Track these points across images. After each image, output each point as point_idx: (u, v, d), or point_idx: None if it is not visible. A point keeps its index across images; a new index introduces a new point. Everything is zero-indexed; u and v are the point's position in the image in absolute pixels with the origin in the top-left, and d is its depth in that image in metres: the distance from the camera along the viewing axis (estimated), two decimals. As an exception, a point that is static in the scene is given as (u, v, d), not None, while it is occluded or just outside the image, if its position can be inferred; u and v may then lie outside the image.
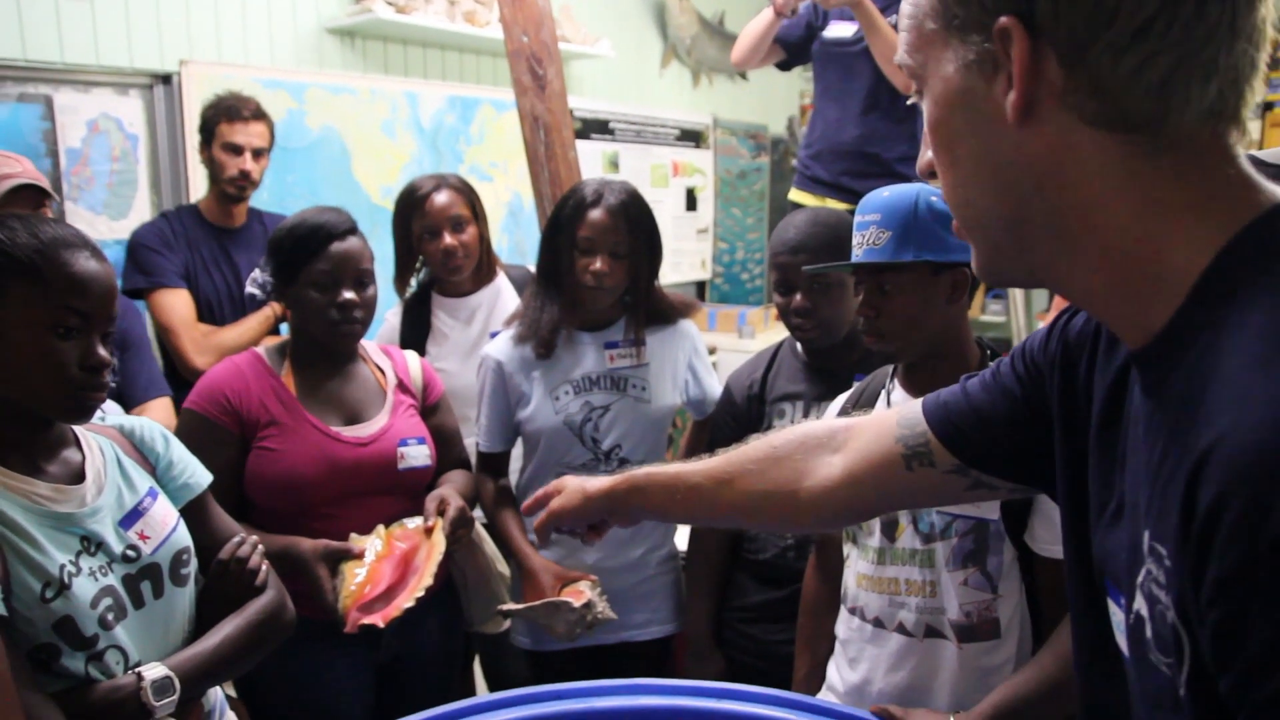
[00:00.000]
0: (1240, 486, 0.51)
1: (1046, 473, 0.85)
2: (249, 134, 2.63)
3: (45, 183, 2.06)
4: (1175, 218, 0.61)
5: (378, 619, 1.60)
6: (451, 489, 1.85)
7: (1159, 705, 0.62)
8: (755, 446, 1.14)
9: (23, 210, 1.92)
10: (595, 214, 1.94)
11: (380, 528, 1.74)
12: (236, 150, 2.61)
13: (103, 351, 1.21)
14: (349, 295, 1.76)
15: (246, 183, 2.65)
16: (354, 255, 1.78)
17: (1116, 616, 0.70)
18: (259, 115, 2.67)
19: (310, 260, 1.75)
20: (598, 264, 1.94)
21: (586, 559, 1.94)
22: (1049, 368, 0.85)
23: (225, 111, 2.62)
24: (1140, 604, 0.64)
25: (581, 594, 1.82)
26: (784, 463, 1.10)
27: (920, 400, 1.01)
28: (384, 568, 1.67)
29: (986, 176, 0.68)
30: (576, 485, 1.28)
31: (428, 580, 1.68)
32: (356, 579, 1.65)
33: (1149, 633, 0.62)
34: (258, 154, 2.65)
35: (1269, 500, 0.49)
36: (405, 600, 1.63)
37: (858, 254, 1.47)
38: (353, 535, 1.71)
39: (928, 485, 0.99)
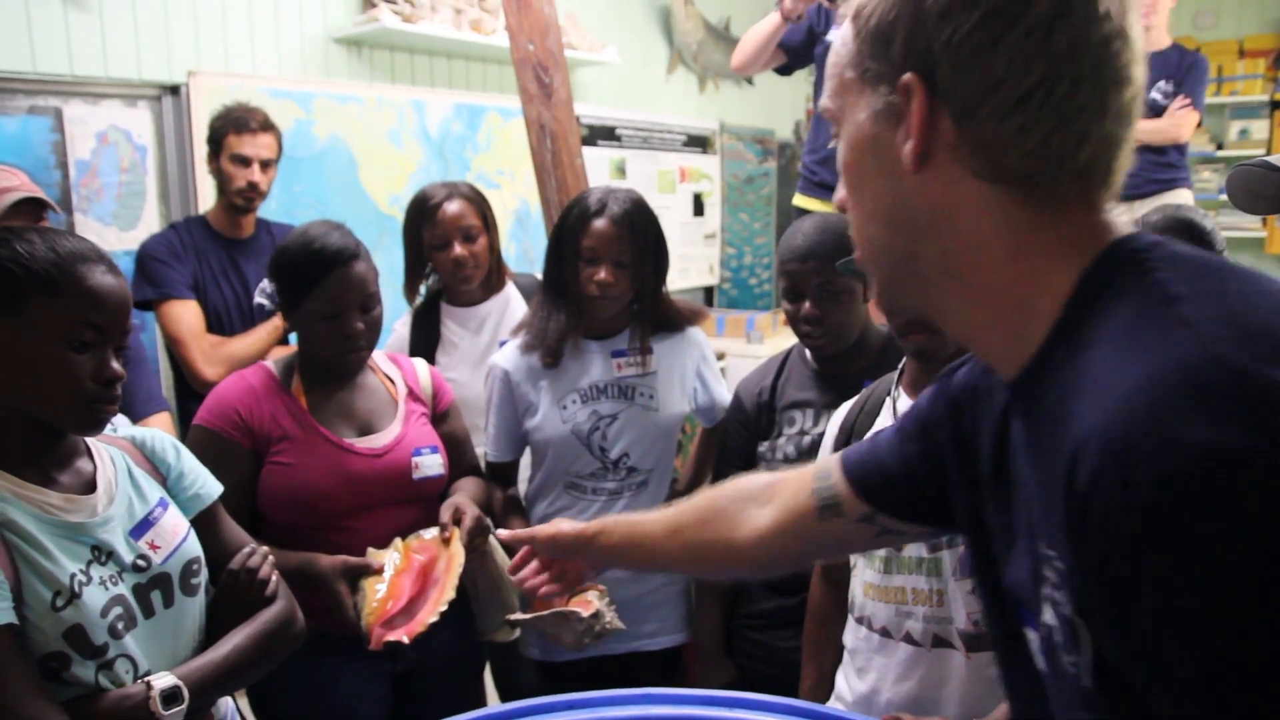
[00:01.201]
0: (1108, 467, 0.56)
1: (953, 516, 0.92)
2: (257, 145, 2.63)
3: (44, 195, 2.07)
4: (1044, 260, 0.69)
5: (402, 635, 1.60)
6: (465, 497, 1.85)
7: (1072, 705, 0.66)
8: (700, 499, 1.23)
9: (24, 223, 1.94)
10: (599, 224, 1.94)
11: (397, 540, 1.73)
12: (244, 162, 2.62)
13: (116, 365, 1.22)
14: (355, 325, 1.75)
15: (255, 194, 2.65)
16: (358, 282, 1.74)
17: (1034, 641, 0.73)
18: (267, 126, 2.67)
19: (315, 287, 1.72)
20: (601, 274, 1.94)
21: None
22: (939, 423, 0.93)
23: (233, 123, 2.62)
24: (1047, 614, 0.67)
25: (589, 604, 1.82)
26: (722, 515, 1.18)
27: (838, 454, 1.09)
28: (403, 581, 1.66)
29: (886, 216, 0.75)
30: (558, 523, 1.37)
31: (450, 594, 1.67)
32: (378, 595, 1.64)
33: (1057, 638, 0.66)
34: (265, 165, 2.66)
35: (1135, 475, 0.54)
36: (429, 615, 1.62)
37: None
38: (370, 550, 1.71)
39: (840, 535, 1.07)
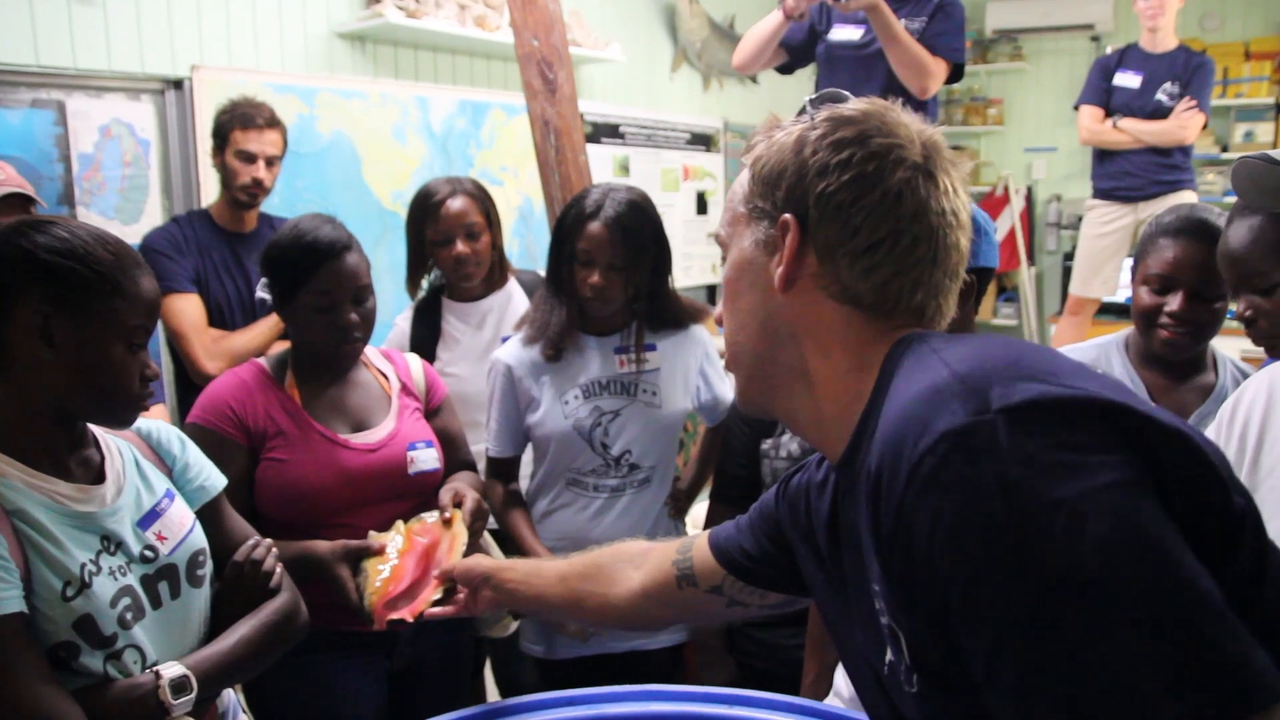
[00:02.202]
0: (887, 461, 0.72)
1: (806, 587, 1.09)
2: (263, 142, 2.63)
3: (31, 191, 2.06)
4: (874, 360, 0.85)
5: (406, 614, 1.60)
6: (463, 483, 1.85)
7: (907, 715, 0.80)
8: (589, 555, 1.37)
9: (10, 217, 1.93)
10: (593, 227, 1.94)
11: (399, 523, 1.73)
12: (250, 158, 2.61)
13: (153, 363, 1.29)
14: (349, 317, 1.74)
15: (259, 191, 2.65)
16: (350, 273, 1.74)
17: (888, 682, 0.83)
18: (273, 123, 2.67)
19: (307, 280, 1.72)
20: (594, 278, 1.94)
21: None
22: (784, 518, 1.09)
23: (239, 118, 2.62)
24: (889, 651, 0.80)
25: None
26: (604, 571, 1.33)
27: (706, 533, 1.24)
28: (407, 563, 1.65)
29: (755, 326, 0.92)
30: (478, 558, 1.54)
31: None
32: (381, 575, 1.64)
33: (900, 667, 0.78)
34: (270, 162, 2.65)
35: (902, 457, 0.70)
36: (432, 594, 1.62)
37: None
38: (371, 533, 1.70)
39: (695, 603, 1.23)
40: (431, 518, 1.75)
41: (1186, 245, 1.67)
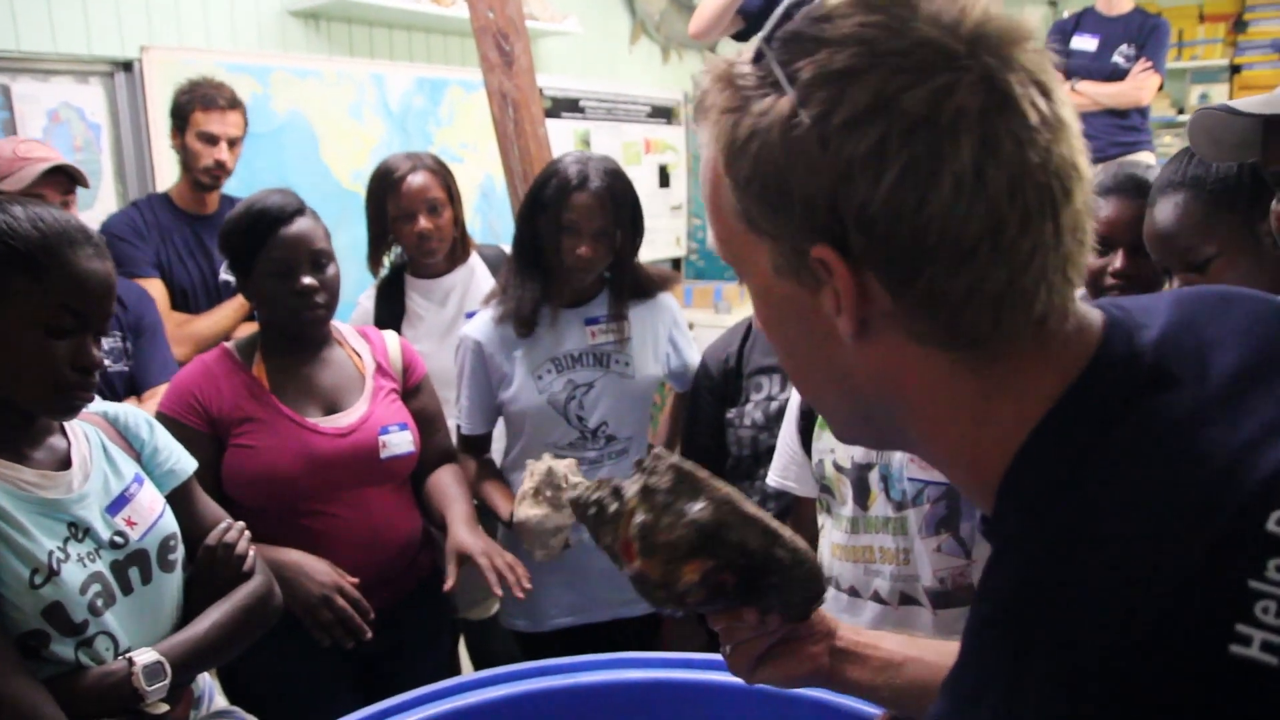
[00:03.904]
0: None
1: None
2: (225, 124, 2.62)
3: (73, 166, 2.08)
4: (993, 427, 0.61)
5: None
6: (458, 522, 1.81)
7: None
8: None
9: (52, 195, 1.93)
10: (581, 197, 1.93)
11: None
12: (212, 140, 2.61)
13: (95, 352, 1.20)
14: (307, 280, 1.70)
15: (221, 173, 2.65)
16: (306, 237, 1.72)
17: None
18: (234, 104, 2.66)
19: (261, 249, 1.70)
20: (583, 248, 1.93)
21: (576, 533, 1.93)
22: None
23: (200, 99, 2.60)
24: None
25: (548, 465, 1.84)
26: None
27: None
28: None
29: (832, 381, 0.67)
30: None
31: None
32: None
33: None
34: (233, 143, 2.65)
35: None
36: None
37: None
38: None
39: None
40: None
41: (1119, 203, 1.69)
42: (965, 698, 0.58)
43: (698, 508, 0.85)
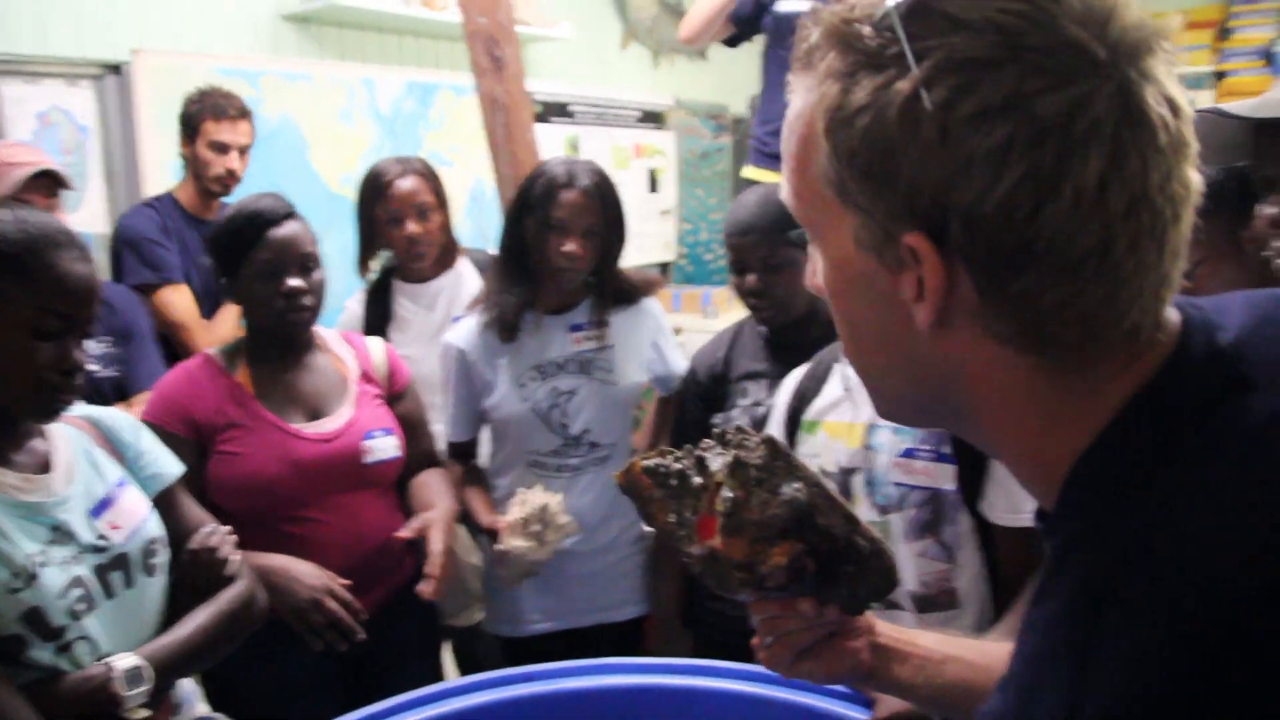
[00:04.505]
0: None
1: None
2: (236, 133, 2.66)
3: (59, 169, 2.09)
4: (1064, 425, 0.59)
5: None
6: (435, 511, 1.82)
7: None
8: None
9: (38, 199, 1.93)
10: (569, 195, 1.93)
11: None
12: (223, 149, 2.64)
13: (78, 355, 1.20)
14: (294, 282, 1.71)
15: (232, 181, 2.68)
16: (294, 240, 1.72)
17: None
18: (244, 113, 2.70)
19: (249, 251, 1.70)
20: (570, 246, 1.93)
21: (563, 544, 1.94)
22: None
23: (211, 108, 2.63)
24: None
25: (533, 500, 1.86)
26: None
27: None
28: None
29: (894, 364, 0.65)
30: None
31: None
32: None
33: None
34: (243, 152, 2.68)
35: None
36: None
37: None
38: None
39: None
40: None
41: None
42: (1029, 693, 0.57)
43: (795, 487, 0.81)
